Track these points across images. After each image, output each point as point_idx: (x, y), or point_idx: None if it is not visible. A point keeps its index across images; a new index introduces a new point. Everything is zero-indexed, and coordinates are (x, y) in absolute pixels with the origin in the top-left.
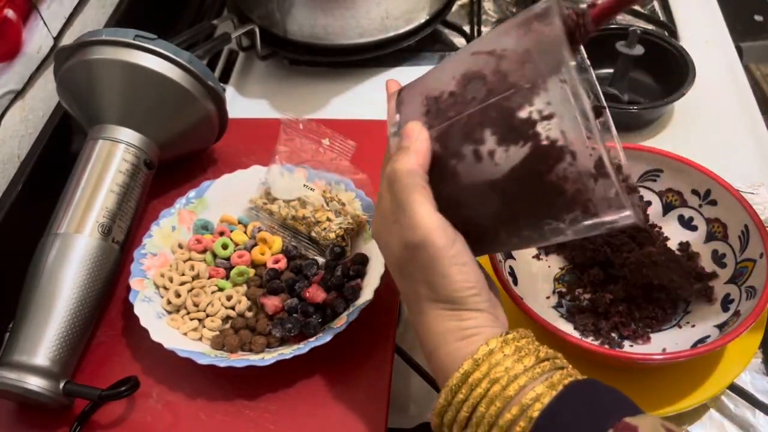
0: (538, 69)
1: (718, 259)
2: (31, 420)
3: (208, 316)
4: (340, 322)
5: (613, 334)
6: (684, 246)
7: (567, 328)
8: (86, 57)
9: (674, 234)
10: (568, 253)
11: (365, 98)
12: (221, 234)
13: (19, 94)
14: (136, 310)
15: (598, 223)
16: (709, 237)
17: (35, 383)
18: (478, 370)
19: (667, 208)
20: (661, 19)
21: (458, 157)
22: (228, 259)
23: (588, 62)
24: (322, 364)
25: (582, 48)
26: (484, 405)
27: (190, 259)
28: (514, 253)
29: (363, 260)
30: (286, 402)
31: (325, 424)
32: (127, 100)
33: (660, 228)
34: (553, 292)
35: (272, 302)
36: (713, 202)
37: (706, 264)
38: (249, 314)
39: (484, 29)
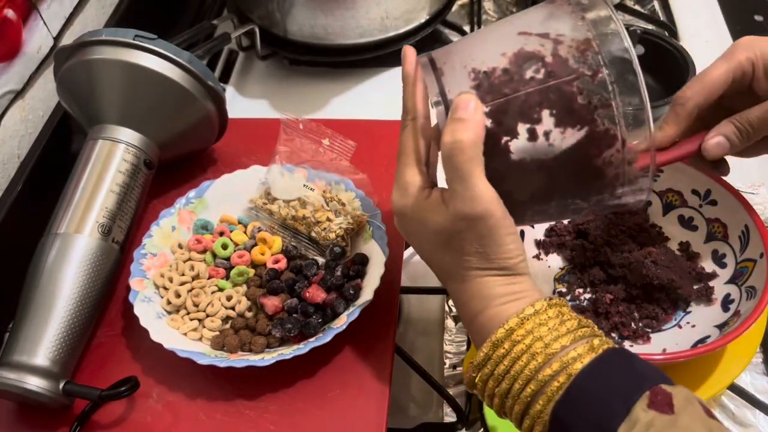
0: (600, 58)
1: (718, 259)
2: (31, 420)
3: (208, 316)
4: (340, 322)
5: (613, 334)
6: (684, 246)
7: None
8: (86, 57)
9: (674, 234)
10: (568, 253)
11: (365, 98)
12: (221, 234)
13: (19, 94)
14: (136, 311)
15: (617, 204)
16: (710, 237)
17: (35, 383)
18: (523, 327)
19: (667, 208)
20: (661, 18)
21: (511, 134)
22: (228, 259)
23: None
24: (322, 364)
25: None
26: (524, 359)
27: (190, 259)
28: None
29: (363, 260)
30: (286, 402)
31: (325, 424)
32: (127, 100)
33: (660, 228)
34: (553, 292)
35: (272, 302)
36: (713, 202)
37: (706, 264)
38: (249, 314)
39: None
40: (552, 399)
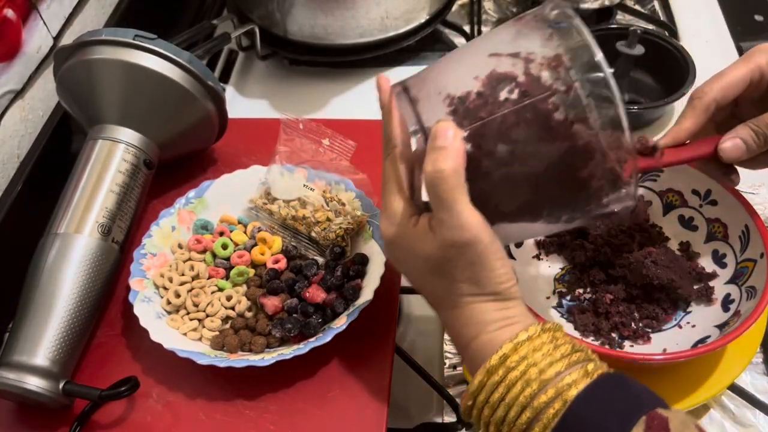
0: (572, 73)
1: (718, 259)
2: (30, 420)
3: (207, 316)
4: (340, 322)
5: (613, 334)
6: (684, 246)
7: (567, 328)
8: (86, 57)
9: (675, 234)
10: (569, 253)
11: (365, 98)
12: (221, 234)
13: (18, 94)
14: (136, 311)
15: (606, 213)
16: (710, 237)
17: (35, 383)
18: (517, 353)
19: (667, 208)
20: (662, 18)
21: (492, 156)
22: (228, 259)
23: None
24: (322, 364)
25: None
26: (519, 386)
27: (189, 259)
28: (515, 253)
29: (363, 260)
30: (286, 402)
31: (325, 424)
32: (127, 100)
33: (660, 228)
34: (554, 292)
35: (272, 302)
36: (713, 202)
37: (707, 264)
38: (249, 314)
39: (484, 29)
40: (548, 426)
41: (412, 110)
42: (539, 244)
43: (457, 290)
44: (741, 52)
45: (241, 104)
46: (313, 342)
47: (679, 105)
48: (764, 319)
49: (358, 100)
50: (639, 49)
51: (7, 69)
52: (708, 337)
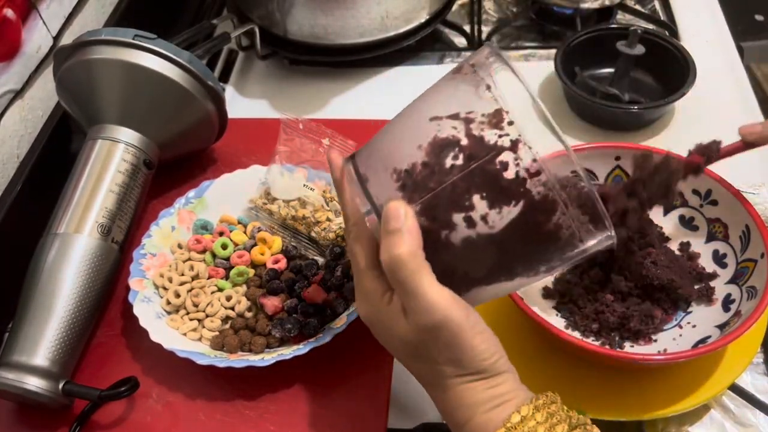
0: (515, 126)
1: (719, 259)
2: (30, 420)
3: (207, 316)
4: (340, 323)
5: (613, 335)
6: (684, 246)
7: (567, 328)
8: (86, 57)
9: (675, 234)
10: None
11: (365, 98)
12: (221, 234)
13: (18, 94)
14: (136, 311)
15: (587, 253)
16: (710, 237)
17: (34, 383)
18: None
19: (667, 208)
20: (662, 18)
21: (449, 226)
22: (227, 259)
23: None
24: (322, 364)
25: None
26: None
27: (189, 259)
28: None
29: None
30: (286, 402)
31: (325, 424)
32: (127, 100)
33: (660, 228)
34: (554, 292)
35: (272, 302)
36: (714, 202)
37: (707, 264)
38: (249, 314)
39: (484, 29)
40: None
41: (361, 189)
42: None
43: (440, 373)
44: (741, 51)
45: (241, 104)
46: (313, 342)
47: (680, 105)
48: (765, 319)
49: (358, 100)
50: (639, 49)
51: (6, 69)
52: (708, 337)
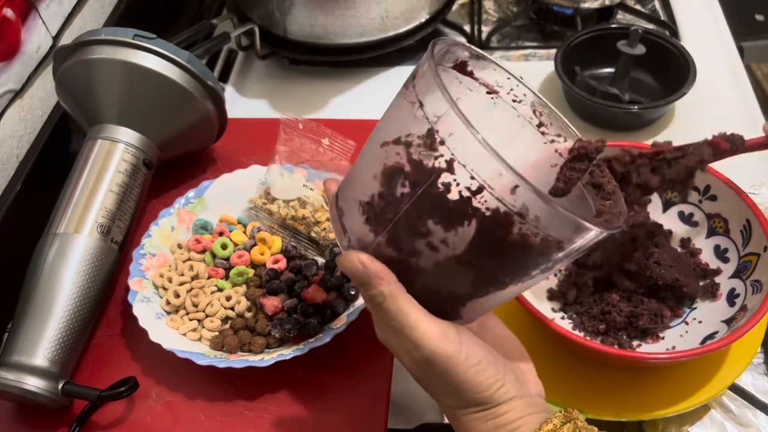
0: (446, 146)
1: (720, 254)
2: (30, 420)
3: (207, 316)
4: (340, 323)
5: (620, 334)
6: (686, 242)
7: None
8: (85, 56)
9: (675, 230)
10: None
11: (365, 98)
12: (220, 234)
13: (17, 94)
14: (135, 311)
15: (580, 248)
16: (711, 232)
17: (34, 384)
18: None
19: (666, 205)
20: (662, 18)
21: (415, 254)
22: (227, 259)
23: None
24: (321, 364)
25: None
26: None
27: (189, 259)
28: None
29: None
30: (286, 402)
31: (325, 424)
32: (127, 100)
33: (662, 226)
34: (559, 293)
35: (272, 303)
36: (713, 198)
37: (709, 259)
38: (248, 315)
39: (484, 28)
40: None
41: (339, 224)
42: None
43: (444, 403)
44: (742, 51)
45: (241, 104)
46: (313, 342)
47: (680, 105)
48: (765, 319)
49: (358, 99)
50: (640, 49)
51: (6, 69)
52: (716, 332)
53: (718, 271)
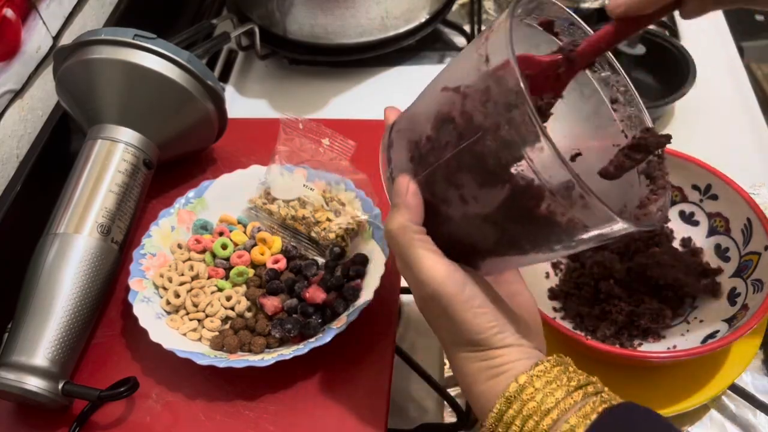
0: (499, 108)
1: (721, 253)
2: (30, 420)
3: (207, 316)
4: (340, 323)
5: (621, 333)
6: (686, 242)
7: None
8: (85, 56)
9: (676, 230)
10: (574, 255)
11: (365, 98)
12: (220, 234)
13: (18, 94)
14: (136, 311)
15: (607, 236)
16: (711, 232)
17: (34, 383)
18: (511, 408)
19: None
20: (662, 18)
21: (446, 202)
22: (227, 259)
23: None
24: (322, 364)
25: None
26: None
27: (189, 259)
28: None
29: (363, 260)
30: (286, 402)
31: (325, 424)
32: (127, 100)
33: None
34: (560, 292)
35: (272, 302)
36: (714, 197)
37: (710, 258)
38: (248, 315)
39: (484, 28)
40: None
41: (386, 154)
42: None
43: (442, 339)
44: (742, 52)
45: (241, 104)
46: (313, 342)
47: (680, 105)
48: (765, 319)
49: (358, 99)
50: (640, 49)
51: (6, 69)
52: (717, 331)
53: (719, 271)
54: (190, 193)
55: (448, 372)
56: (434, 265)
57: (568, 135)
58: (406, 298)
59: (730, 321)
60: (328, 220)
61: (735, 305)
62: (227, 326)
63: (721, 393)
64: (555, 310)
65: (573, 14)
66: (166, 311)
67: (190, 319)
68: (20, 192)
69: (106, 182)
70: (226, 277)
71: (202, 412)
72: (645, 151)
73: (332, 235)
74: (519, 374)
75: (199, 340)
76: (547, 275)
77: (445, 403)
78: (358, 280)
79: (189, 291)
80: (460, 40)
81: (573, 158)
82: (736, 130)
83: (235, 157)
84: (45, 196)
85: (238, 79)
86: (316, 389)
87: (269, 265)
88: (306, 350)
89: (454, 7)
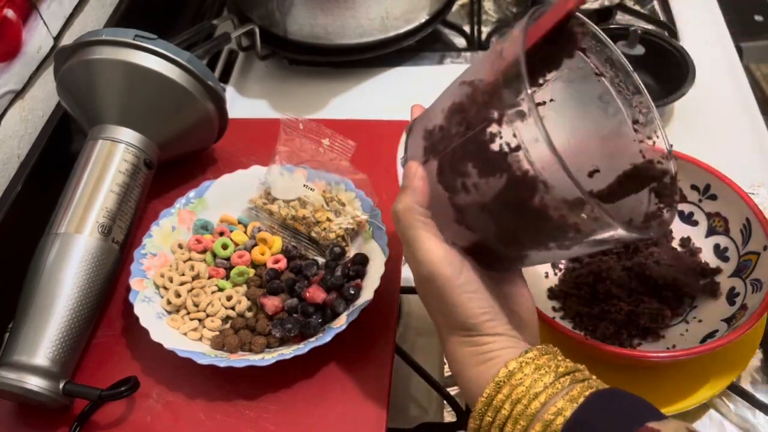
0: (503, 99)
1: (720, 253)
2: (30, 420)
3: (208, 316)
4: (340, 322)
5: (621, 332)
6: (685, 241)
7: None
8: (86, 57)
9: (675, 230)
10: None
11: (365, 98)
12: (221, 234)
13: (18, 94)
14: (136, 310)
15: (603, 240)
16: (710, 231)
17: (35, 383)
18: (501, 393)
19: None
20: (661, 19)
21: (452, 190)
22: (228, 259)
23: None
24: (322, 364)
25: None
26: (510, 425)
27: (190, 259)
28: None
29: (363, 260)
30: (286, 402)
31: (325, 424)
32: (127, 100)
33: None
34: (559, 291)
35: (272, 302)
36: (713, 197)
37: (709, 258)
38: (249, 314)
39: (484, 29)
40: None
41: (405, 141)
42: None
43: (437, 323)
44: (741, 52)
45: (241, 104)
46: (313, 342)
47: (679, 105)
48: (764, 319)
49: (358, 100)
50: (639, 49)
51: (7, 69)
52: (716, 331)
53: (718, 270)
54: (191, 193)
55: (448, 372)
56: (433, 246)
57: (585, 151)
58: (406, 298)
59: (729, 321)
60: (329, 220)
61: (734, 305)
62: (228, 326)
63: (720, 393)
64: (554, 309)
65: (596, 28)
66: (166, 311)
67: (191, 319)
68: (21, 192)
69: (107, 182)
70: (227, 277)
71: (202, 412)
72: (640, 180)
73: (332, 235)
74: (508, 360)
75: (200, 339)
76: (547, 275)
77: (445, 402)
78: (358, 280)
79: (190, 291)
80: (460, 41)
81: (591, 174)
82: (735, 130)
83: (236, 158)
84: (46, 197)
85: (238, 79)
86: (316, 389)
87: (270, 265)
88: (306, 350)
89: (454, 7)
